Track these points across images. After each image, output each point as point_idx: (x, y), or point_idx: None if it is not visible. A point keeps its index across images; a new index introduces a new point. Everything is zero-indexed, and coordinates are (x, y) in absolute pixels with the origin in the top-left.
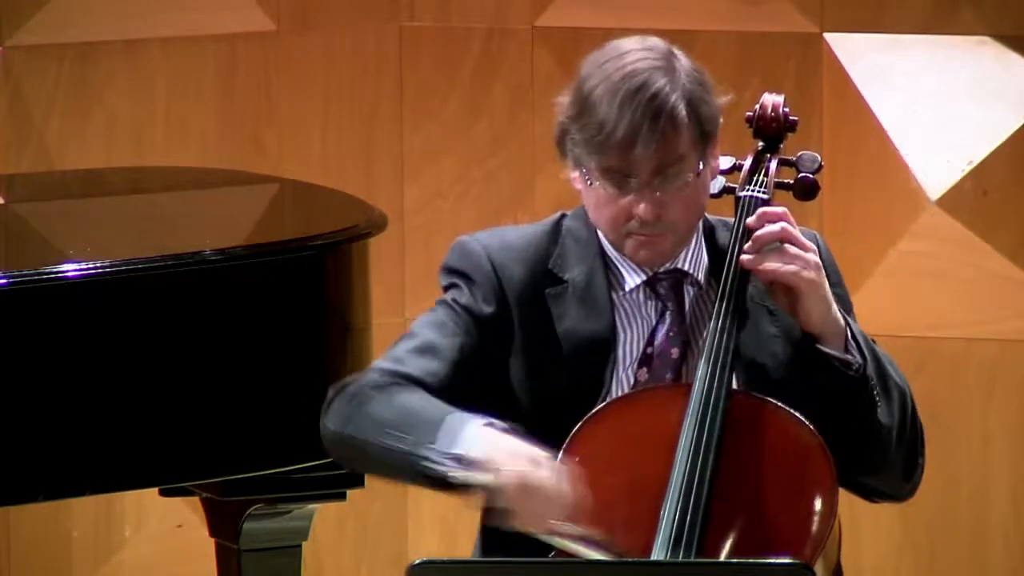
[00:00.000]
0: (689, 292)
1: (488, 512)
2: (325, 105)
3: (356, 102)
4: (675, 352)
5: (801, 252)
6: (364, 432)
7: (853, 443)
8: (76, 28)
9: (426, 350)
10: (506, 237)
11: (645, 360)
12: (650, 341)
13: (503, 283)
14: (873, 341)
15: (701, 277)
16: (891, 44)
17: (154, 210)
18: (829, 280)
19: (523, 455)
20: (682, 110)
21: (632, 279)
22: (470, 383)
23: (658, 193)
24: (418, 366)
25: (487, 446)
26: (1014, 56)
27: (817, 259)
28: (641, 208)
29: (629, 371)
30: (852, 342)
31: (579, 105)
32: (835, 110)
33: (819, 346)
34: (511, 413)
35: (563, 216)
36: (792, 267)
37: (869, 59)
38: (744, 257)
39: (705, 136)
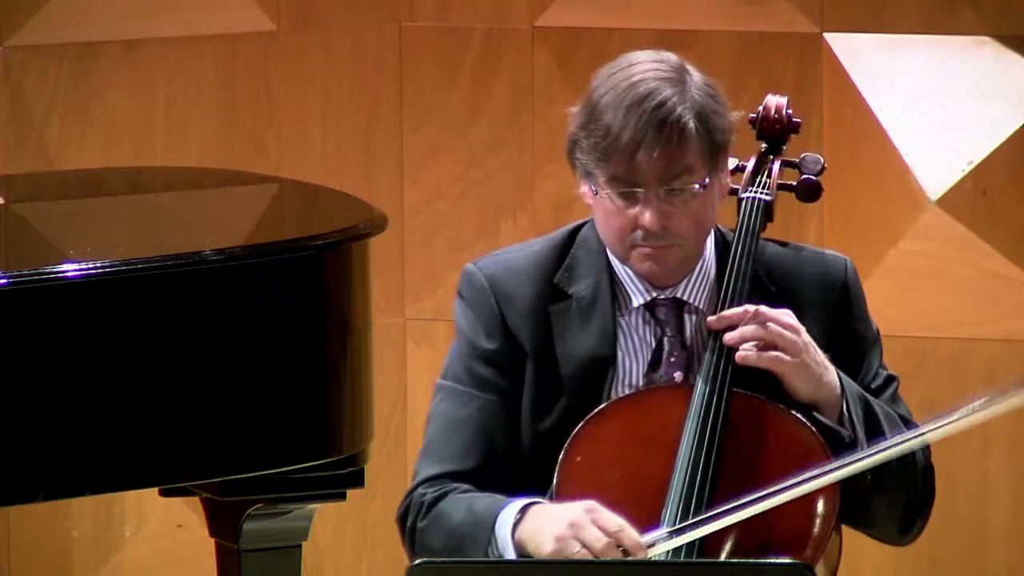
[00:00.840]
0: (690, 320)
1: None
2: (325, 105)
3: (356, 102)
4: (678, 376)
5: (783, 333)
6: (442, 553)
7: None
8: (76, 28)
9: (453, 430)
10: (512, 261)
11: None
12: (654, 367)
13: (506, 317)
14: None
15: (702, 304)
16: (891, 44)
17: (154, 210)
18: (852, 314)
19: (562, 525)
20: (690, 121)
21: (636, 299)
22: (503, 430)
23: (664, 204)
24: (452, 457)
25: (533, 537)
26: (1014, 56)
27: (799, 339)
28: (646, 217)
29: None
30: (847, 415)
31: (587, 114)
32: (835, 110)
33: (814, 414)
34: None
35: (582, 225)
36: (770, 354)
37: (869, 59)
38: (727, 336)
39: (715, 150)
